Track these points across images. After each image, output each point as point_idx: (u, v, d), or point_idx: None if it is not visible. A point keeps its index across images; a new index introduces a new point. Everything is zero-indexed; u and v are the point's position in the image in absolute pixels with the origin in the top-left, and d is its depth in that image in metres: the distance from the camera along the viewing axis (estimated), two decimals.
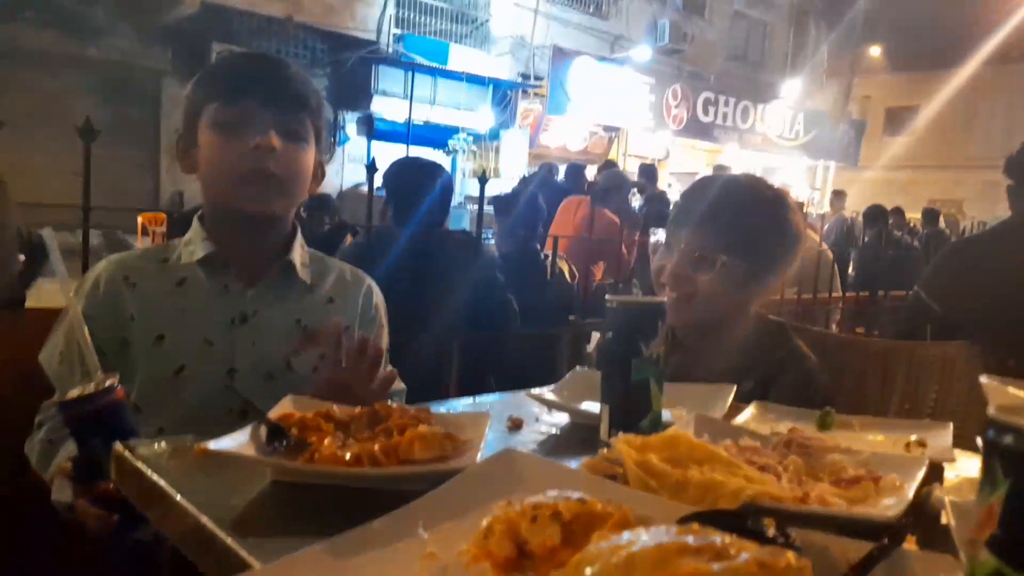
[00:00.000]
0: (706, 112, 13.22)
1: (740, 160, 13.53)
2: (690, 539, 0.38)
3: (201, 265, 1.21)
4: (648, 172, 6.66)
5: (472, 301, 2.78)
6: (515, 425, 1.03)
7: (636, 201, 5.89)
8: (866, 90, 19.54)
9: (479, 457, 0.76)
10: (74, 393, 0.94)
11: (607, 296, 0.88)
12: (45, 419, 1.20)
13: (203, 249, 1.21)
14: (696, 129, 13.18)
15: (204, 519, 0.65)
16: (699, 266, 1.33)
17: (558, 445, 0.97)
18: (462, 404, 1.23)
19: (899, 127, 19.31)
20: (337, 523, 0.59)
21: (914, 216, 9.94)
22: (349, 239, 3.28)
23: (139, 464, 0.81)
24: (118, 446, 0.88)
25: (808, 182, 16.45)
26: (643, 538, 0.39)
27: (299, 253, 1.29)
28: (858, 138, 16.89)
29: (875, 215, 6.87)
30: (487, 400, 1.22)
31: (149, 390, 1.16)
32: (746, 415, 1.03)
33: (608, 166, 6.45)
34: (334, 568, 0.50)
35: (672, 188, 10.60)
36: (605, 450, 0.71)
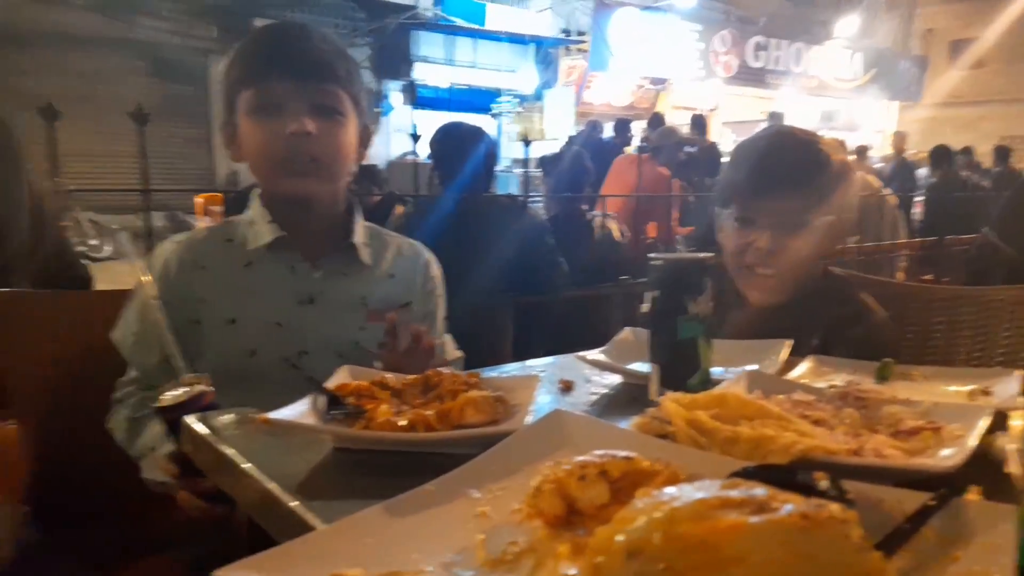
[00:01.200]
0: (757, 58, 12.72)
1: (795, 105, 13.02)
2: (732, 493, 0.38)
3: (268, 248, 1.23)
4: (699, 123, 6.50)
5: (521, 265, 2.79)
6: (566, 387, 1.04)
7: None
8: (928, 22, 18.46)
9: (529, 419, 0.77)
10: (167, 399, 0.99)
11: (649, 254, 0.88)
12: (124, 396, 1.26)
13: (270, 233, 1.22)
14: (747, 76, 12.71)
15: (270, 485, 0.68)
16: (790, 235, 1.28)
17: (609, 406, 0.98)
18: (512, 369, 1.25)
19: (965, 60, 18.22)
20: (395, 486, 0.61)
21: (984, 153, 9.43)
22: (399, 209, 3.31)
23: (207, 435, 0.85)
24: (187, 419, 0.92)
25: (869, 124, 15.74)
26: (686, 493, 0.39)
27: (360, 233, 1.30)
28: (921, 75, 16.03)
29: (941, 155, 6.56)
30: (537, 364, 1.23)
31: (222, 370, 1.18)
32: (801, 369, 1.01)
33: (656, 120, 6.32)
34: (391, 528, 0.52)
35: (724, 139, 10.30)
36: (653, 409, 0.72)
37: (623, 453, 0.55)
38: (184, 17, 9.82)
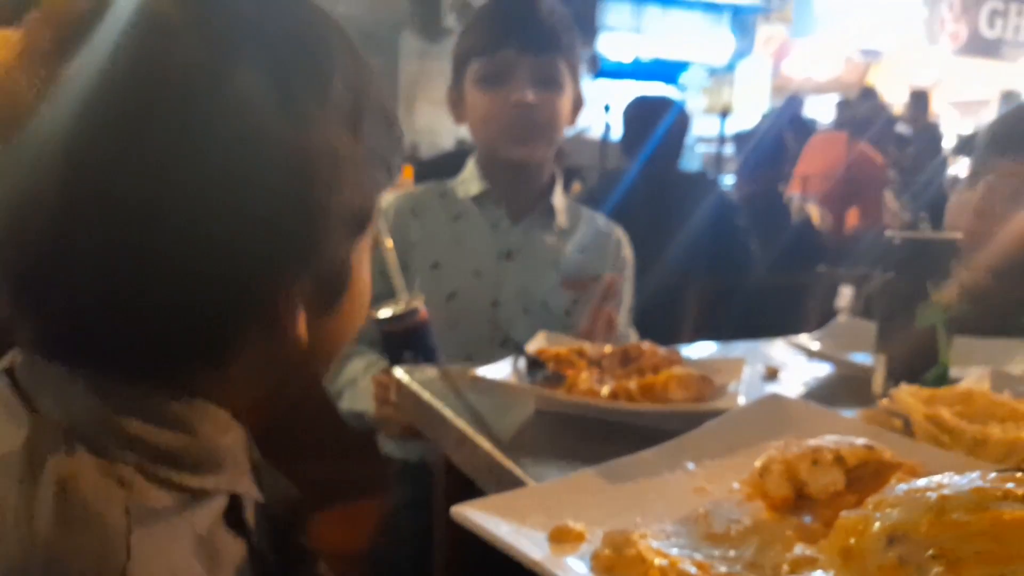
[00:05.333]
0: (991, 25, 11.18)
1: None
2: (1013, 486, 0.34)
3: (475, 202, 1.34)
4: (919, 100, 5.85)
5: (709, 247, 2.69)
6: (771, 374, 1.00)
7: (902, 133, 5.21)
8: None
9: (741, 400, 0.75)
10: (386, 313, 1.07)
11: (888, 231, 0.80)
12: None
13: (478, 186, 1.33)
14: (979, 47, 11.20)
15: (485, 443, 0.72)
16: (1012, 201, 1.15)
17: (823, 397, 0.92)
18: (709, 349, 1.21)
19: None
20: (598, 451, 0.62)
21: None
22: (576, 187, 3.30)
23: (418, 388, 0.91)
24: (397, 371, 0.99)
25: None
26: (956, 482, 0.36)
27: (559, 197, 1.37)
28: None
29: None
30: (736, 347, 1.19)
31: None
32: None
33: (867, 96, 5.77)
34: (612, 490, 0.53)
35: (947, 120, 9.21)
36: (885, 401, 0.66)
37: (862, 441, 0.51)
38: None
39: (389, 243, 1.14)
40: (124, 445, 0.44)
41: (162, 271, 0.43)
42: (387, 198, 1.39)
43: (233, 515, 0.50)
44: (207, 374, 0.48)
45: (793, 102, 5.70)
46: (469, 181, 1.35)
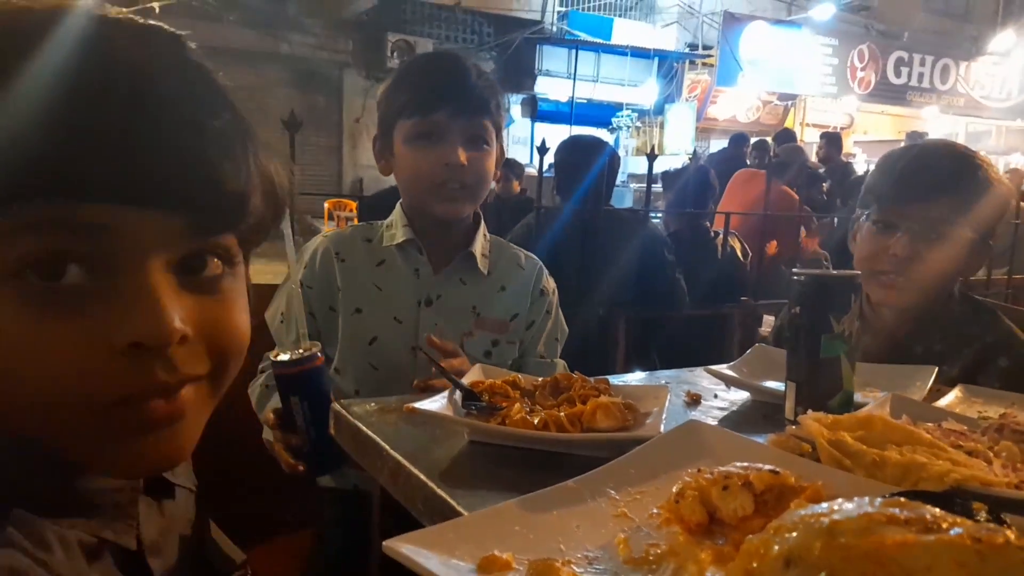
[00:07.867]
0: (898, 74, 12.03)
1: (939, 125, 12.18)
2: (897, 511, 0.38)
3: (399, 249, 1.35)
4: (834, 141, 6.19)
5: (639, 280, 2.77)
6: (693, 400, 1.04)
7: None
8: None
9: (662, 428, 0.78)
10: (284, 356, 1.07)
11: (794, 269, 0.86)
12: (266, 367, 1.37)
13: (403, 235, 1.35)
14: (886, 93, 12.02)
15: (419, 473, 0.73)
16: (929, 244, 1.23)
17: (739, 422, 0.96)
18: (636, 378, 1.25)
19: None
20: (528, 480, 0.64)
21: None
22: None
23: (355, 421, 0.92)
24: (336, 405, 0.99)
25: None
26: (846, 507, 0.39)
27: (480, 244, 1.39)
28: None
29: None
30: (662, 375, 1.23)
31: (348, 354, 1.33)
32: (949, 398, 0.96)
33: (785, 136, 6.08)
34: (537, 519, 0.55)
35: (857, 158, 9.78)
36: (793, 427, 0.71)
37: (769, 467, 0.55)
38: (325, 32, 10.45)
39: (297, 288, 1.15)
40: None
41: None
42: (317, 240, 1.41)
43: (136, 564, 0.50)
44: None
45: (741, 140, 5.94)
46: (395, 228, 1.37)
